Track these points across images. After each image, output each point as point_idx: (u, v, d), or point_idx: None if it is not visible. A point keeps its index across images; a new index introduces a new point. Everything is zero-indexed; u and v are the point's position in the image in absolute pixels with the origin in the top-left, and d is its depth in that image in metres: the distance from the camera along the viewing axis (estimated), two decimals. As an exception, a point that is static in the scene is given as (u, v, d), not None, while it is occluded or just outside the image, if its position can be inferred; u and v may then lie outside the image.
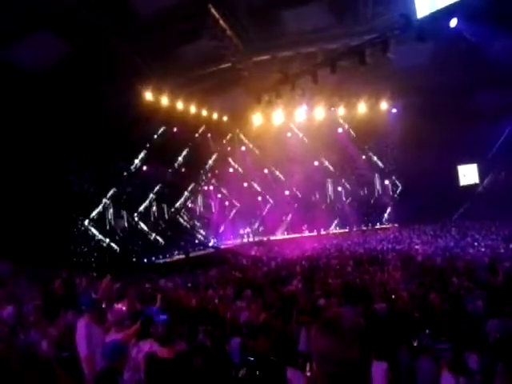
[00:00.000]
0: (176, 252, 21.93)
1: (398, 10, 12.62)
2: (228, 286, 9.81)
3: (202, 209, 29.41)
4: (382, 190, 30.43)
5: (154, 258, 20.23)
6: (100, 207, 20.46)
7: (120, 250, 20.11)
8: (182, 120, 21.83)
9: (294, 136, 28.88)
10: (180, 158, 25.67)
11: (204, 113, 23.24)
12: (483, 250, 14.22)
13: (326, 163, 29.97)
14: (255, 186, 30.50)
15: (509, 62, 16.51)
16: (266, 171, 30.16)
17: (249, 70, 19.63)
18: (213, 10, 15.41)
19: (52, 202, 15.39)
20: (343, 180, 30.59)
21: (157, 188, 24.59)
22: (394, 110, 26.22)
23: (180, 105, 20.94)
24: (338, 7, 15.96)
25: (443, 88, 21.08)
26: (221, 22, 16.03)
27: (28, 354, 3.45)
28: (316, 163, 29.70)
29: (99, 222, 20.23)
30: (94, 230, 19.67)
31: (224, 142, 28.85)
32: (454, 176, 28.59)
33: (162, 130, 22.95)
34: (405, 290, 7.82)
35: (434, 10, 11.11)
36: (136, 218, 23.15)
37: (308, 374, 2.70)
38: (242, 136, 29.31)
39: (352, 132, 28.86)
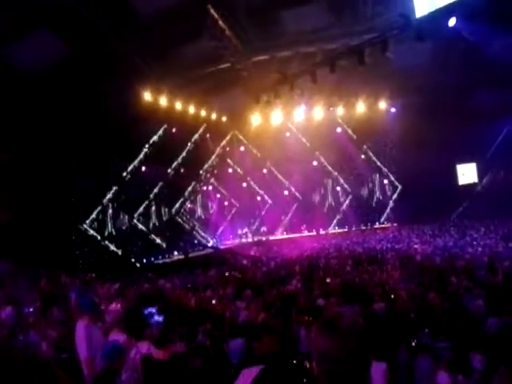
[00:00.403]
0: (175, 252, 21.93)
1: (397, 10, 12.69)
2: (227, 286, 9.80)
3: (201, 209, 29.37)
4: (380, 190, 30.41)
5: (153, 259, 20.22)
6: (99, 207, 20.44)
7: (119, 251, 20.10)
8: (181, 120, 21.82)
9: (292, 136, 28.82)
10: (179, 159, 25.65)
11: (203, 113, 23.24)
12: (482, 249, 14.24)
13: (325, 163, 29.89)
14: (254, 186, 30.48)
15: (508, 62, 16.50)
16: (264, 171, 30.07)
17: (248, 70, 19.62)
18: (212, 11, 15.43)
19: (51, 202, 15.37)
20: (342, 180, 30.55)
21: (156, 188, 24.56)
22: (393, 110, 26.19)
23: (179, 105, 20.93)
24: (337, 7, 15.99)
25: (442, 87, 21.06)
26: (220, 22, 16.04)
27: (28, 355, 3.45)
28: (315, 163, 29.63)
29: (98, 223, 20.20)
30: (92, 231, 19.64)
31: (223, 142, 28.85)
32: (453, 175, 28.59)
33: (161, 130, 22.94)
34: (404, 290, 7.80)
35: (432, 9, 11.16)
36: (135, 220, 23.12)
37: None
38: (240, 136, 29.26)
39: (351, 132, 28.76)
